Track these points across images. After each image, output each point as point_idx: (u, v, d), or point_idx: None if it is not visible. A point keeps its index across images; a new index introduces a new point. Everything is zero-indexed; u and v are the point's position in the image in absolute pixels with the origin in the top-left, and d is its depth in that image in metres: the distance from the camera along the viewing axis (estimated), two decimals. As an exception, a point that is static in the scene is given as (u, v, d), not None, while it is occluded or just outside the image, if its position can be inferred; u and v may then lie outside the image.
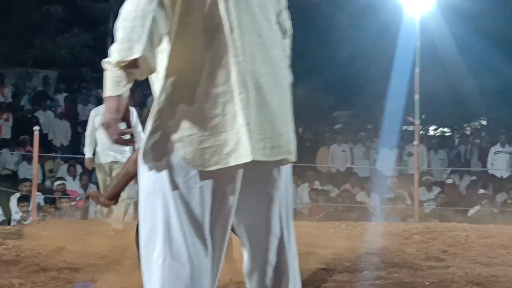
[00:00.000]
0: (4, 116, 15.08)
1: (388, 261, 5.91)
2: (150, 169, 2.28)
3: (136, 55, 2.15)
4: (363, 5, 15.88)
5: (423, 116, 17.06)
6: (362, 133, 15.16)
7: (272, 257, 2.43)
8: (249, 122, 2.23)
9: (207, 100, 2.24)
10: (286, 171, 2.47)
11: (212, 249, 2.30)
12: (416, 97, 11.78)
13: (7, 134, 14.85)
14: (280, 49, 2.46)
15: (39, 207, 9.95)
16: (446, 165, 14.52)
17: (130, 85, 2.19)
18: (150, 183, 2.29)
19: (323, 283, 4.84)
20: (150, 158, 2.28)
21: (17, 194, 10.54)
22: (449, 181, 13.50)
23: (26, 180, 11.22)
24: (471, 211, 11.69)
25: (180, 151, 2.24)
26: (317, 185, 12.63)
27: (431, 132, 18.92)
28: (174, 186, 2.25)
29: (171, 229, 2.25)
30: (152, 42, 2.18)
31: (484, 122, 19.02)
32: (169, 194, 2.26)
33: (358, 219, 10.39)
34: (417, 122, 12.18)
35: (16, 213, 10.16)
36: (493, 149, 13.87)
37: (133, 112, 7.37)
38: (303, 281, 4.92)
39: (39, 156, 10.01)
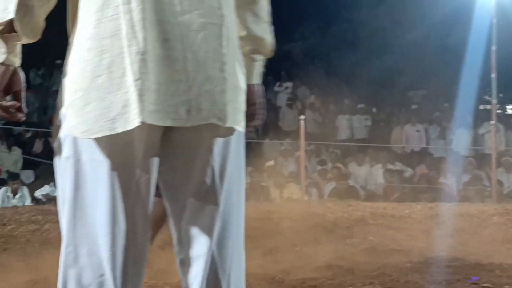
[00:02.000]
0: None
1: (464, 243, 5.83)
2: (55, 143, 1.98)
3: (10, 16, 1.87)
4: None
5: (501, 95, 16.68)
6: (437, 113, 14.92)
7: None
8: (139, 78, 1.84)
9: (93, 57, 1.87)
10: (225, 140, 2.01)
11: (132, 233, 1.94)
12: (493, 75, 11.53)
13: None
14: None
15: None
16: (525, 145, 14.18)
17: (14, 52, 1.94)
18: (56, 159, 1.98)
19: (398, 265, 4.81)
20: (55, 133, 1.97)
21: None
22: (528, 161, 13.17)
23: None
24: (552, 192, 11.42)
25: (68, 119, 1.91)
26: (391, 165, 12.53)
27: (509, 111, 18.48)
28: (68, 162, 1.92)
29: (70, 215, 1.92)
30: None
31: None
32: (65, 174, 1.93)
33: (433, 200, 10.28)
34: (494, 101, 11.92)
35: None
36: None
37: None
38: (380, 263, 4.92)
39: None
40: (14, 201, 10.27)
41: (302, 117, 10.68)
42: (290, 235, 6.52)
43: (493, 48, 11.53)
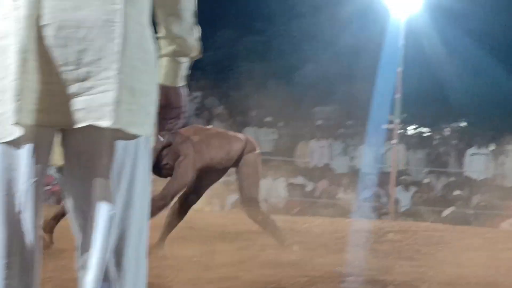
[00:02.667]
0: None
1: (360, 259, 5.93)
2: None
3: None
4: (349, 3, 15.89)
5: (404, 115, 17.13)
6: (341, 129, 15.18)
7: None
8: (17, 78, 1.77)
9: None
10: (125, 143, 1.92)
11: (18, 239, 1.88)
12: (397, 96, 11.82)
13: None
14: None
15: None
16: (424, 164, 14.58)
17: None
18: None
19: (295, 279, 4.85)
20: None
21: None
22: (426, 180, 13.58)
23: None
24: (446, 212, 11.78)
25: None
26: (294, 179, 12.66)
27: (411, 132, 19.00)
28: None
29: None
30: None
31: (463, 124, 19.13)
32: None
33: (333, 215, 10.43)
34: (396, 121, 12.22)
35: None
36: (469, 151, 13.95)
37: None
38: (277, 275, 4.94)
39: None
40: None
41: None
42: (188, 245, 6.48)
43: (399, 69, 11.82)
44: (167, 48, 2.08)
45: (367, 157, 13.95)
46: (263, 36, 18.27)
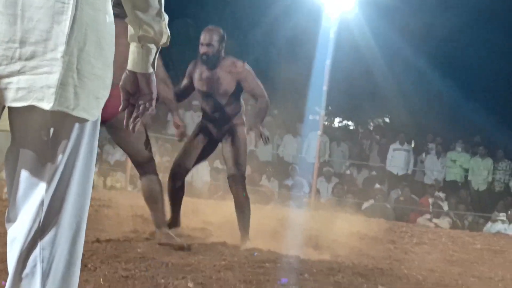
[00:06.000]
0: None
1: (278, 246, 5.97)
2: None
3: None
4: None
5: (330, 108, 17.35)
6: (268, 118, 15.24)
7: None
8: None
9: None
10: (58, 125, 1.90)
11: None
12: (324, 88, 11.96)
13: None
14: None
15: None
16: (347, 157, 14.81)
17: None
18: None
19: (212, 263, 4.86)
20: None
21: None
22: (348, 173, 13.79)
23: None
24: (365, 205, 12.00)
25: None
26: (217, 164, 12.66)
27: (336, 124, 19.26)
28: None
29: None
30: None
31: (387, 120, 19.50)
32: None
33: (254, 201, 10.47)
34: (322, 112, 12.36)
35: None
36: (392, 146, 14.24)
37: None
38: (195, 258, 4.94)
39: None
40: None
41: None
42: (108, 224, 6.42)
43: (327, 62, 11.95)
44: (133, 33, 2.06)
45: (291, 147, 14.08)
46: (196, 19, 18.18)
